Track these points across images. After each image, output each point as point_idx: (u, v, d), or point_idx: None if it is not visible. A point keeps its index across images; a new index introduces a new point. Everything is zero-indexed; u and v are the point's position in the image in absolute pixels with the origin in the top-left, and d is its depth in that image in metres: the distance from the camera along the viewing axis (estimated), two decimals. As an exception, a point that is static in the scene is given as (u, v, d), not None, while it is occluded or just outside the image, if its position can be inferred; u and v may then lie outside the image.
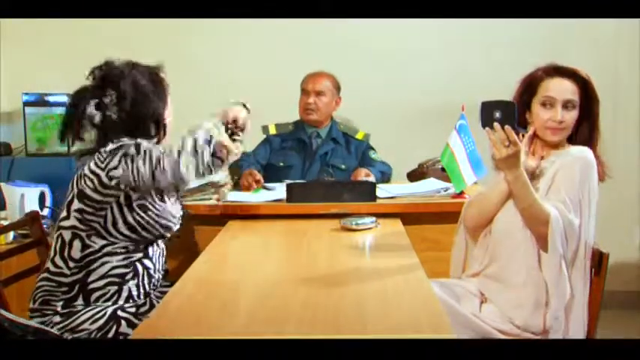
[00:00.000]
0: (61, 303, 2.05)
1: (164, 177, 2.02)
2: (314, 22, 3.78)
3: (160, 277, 2.20)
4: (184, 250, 2.50)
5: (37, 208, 3.09)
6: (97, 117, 2.11)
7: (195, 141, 2.03)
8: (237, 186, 3.06)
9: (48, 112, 3.54)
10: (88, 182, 2.07)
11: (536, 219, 1.96)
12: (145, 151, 2.03)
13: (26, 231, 2.76)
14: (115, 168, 2.03)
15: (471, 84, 3.82)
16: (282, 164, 3.35)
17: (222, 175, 2.79)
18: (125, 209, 2.07)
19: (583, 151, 2.05)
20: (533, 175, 2.08)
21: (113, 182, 2.03)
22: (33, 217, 2.41)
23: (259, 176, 3.02)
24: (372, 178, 3.00)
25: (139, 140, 2.09)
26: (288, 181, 2.86)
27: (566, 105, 2.06)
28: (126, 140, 2.10)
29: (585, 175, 2.00)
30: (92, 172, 2.07)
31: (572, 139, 2.11)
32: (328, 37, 3.92)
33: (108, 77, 2.13)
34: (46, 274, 2.09)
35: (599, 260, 2.02)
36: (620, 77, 3.87)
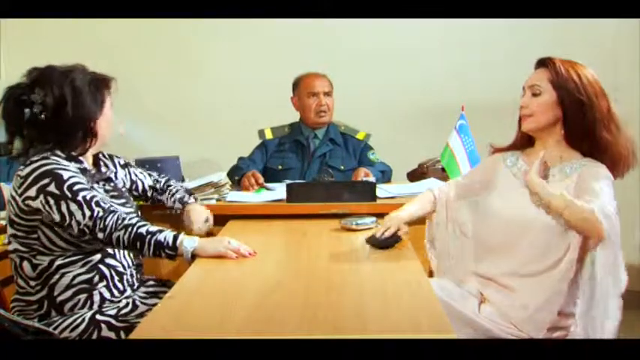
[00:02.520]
0: (36, 320, 1.98)
1: (100, 234, 1.92)
2: (313, 22, 3.78)
3: (134, 272, 2.11)
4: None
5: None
6: (24, 115, 1.98)
7: (156, 241, 1.93)
8: (237, 186, 3.06)
9: (48, 113, 3.53)
10: (11, 208, 1.98)
11: (580, 218, 1.89)
12: (77, 195, 1.91)
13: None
14: (33, 199, 1.92)
15: (471, 84, 3.83)
16: (280, 167, 3.34)
17: (221, 175, 2.79)
18: (56, 227, 1.96)
19: (592, 169, 1.99)
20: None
21: (31, 209, 1.94)
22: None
23: (262, 178, 3.03)
24: (371, 178, 3.00)
25: (55, 164, 1.95)
26: (289, 182, 2.85)
27: (533, 91, 2.03)
28: (39, 161, 1.95)
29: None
30: (12, 197, 1.97)
31: (566, 135, 2.05)
32: (327, 38, 3.92)
33: (40, 75, 2.01)
34: (16, 296, 2.05)
35: (599, 260, 2.01)
36: (620, 77, 3.86)
